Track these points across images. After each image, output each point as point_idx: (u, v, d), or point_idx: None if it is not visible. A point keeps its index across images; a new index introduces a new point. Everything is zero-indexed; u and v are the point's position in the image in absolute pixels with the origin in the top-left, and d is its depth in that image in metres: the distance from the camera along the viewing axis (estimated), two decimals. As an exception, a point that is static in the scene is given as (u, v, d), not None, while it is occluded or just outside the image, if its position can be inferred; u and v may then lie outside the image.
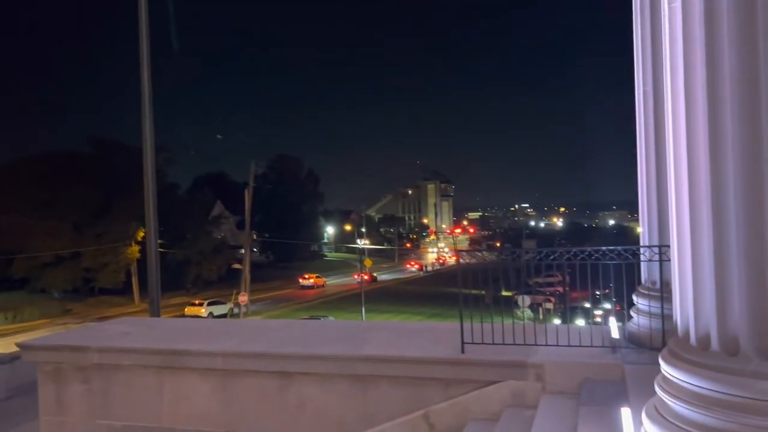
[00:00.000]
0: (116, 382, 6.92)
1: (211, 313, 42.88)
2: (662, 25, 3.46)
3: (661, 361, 3.41)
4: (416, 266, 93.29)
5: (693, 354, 3.15)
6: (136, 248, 50.52)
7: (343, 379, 6.14)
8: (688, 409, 3.10)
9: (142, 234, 44.97)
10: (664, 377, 3.36)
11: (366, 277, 68.34)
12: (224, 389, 6.55)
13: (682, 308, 3.31)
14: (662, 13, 3.46)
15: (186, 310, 44.43)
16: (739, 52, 2.91)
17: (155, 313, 14.01)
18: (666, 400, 3.30)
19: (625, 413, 3.98)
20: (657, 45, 5.49)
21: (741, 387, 2.87)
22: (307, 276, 67.74)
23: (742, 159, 2.91)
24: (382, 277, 77.71)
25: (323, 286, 65.84)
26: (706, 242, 3.07)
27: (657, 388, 3.42)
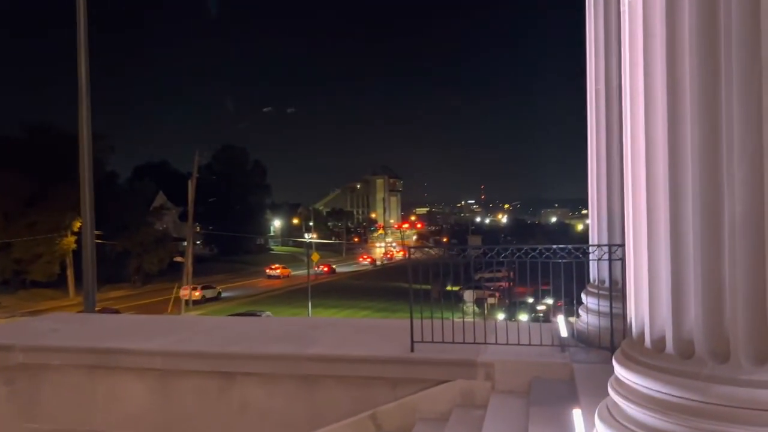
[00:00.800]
0: (44, 383, 6.49)
1: (203, 296, 49.75)
2: (622, 21, 3.40)
3: (614, 363, 3.35)
4: (369, 260, 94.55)
5: (648, 356, 3.10)
6: (71, 239, 48.42)
7: (289, 380, 5.93)
8: (641, 412, 3.05)
9: (78, 224, 43.20)
10: (618, 379, 3.31)
11: (325, 269, 72.68)
12: (162, 390, 6.23)
13: (637, 310, 3.26)
14: (622, 8, 3.39)
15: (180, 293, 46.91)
16: (700, 49, 2.85)
17: (90, 307, 13.38)
18: (619, 403, 3.25)
19: (577, 414, 3.93)
20: (610, 44, 5.49)
21: (696, 391, 2.83)
22: (274, 266, 70.49)
23: (702, 159, 2.86)
24: (340, 269, 79.42)
25: (288, 276, 68.17)
26: (664, 243, 3.02)
27: (610, 390, 3.37)
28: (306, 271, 48.17)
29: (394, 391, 5.68)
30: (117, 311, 34.98)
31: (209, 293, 51.64)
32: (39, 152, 48.07)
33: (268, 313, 37.09)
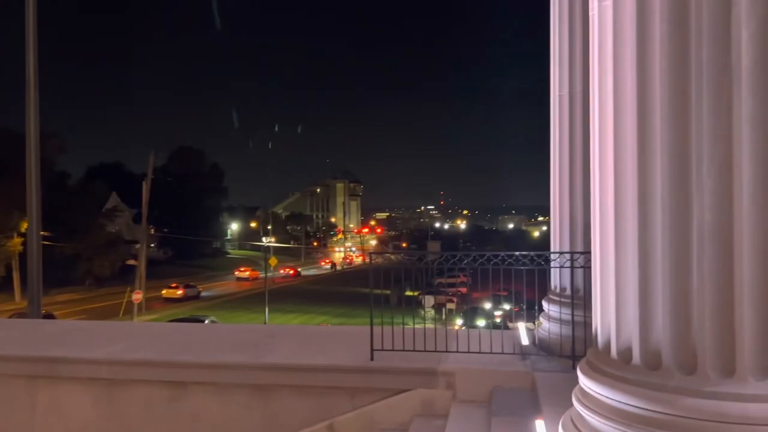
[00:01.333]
0: (-22, 394, 6.07)
1: (186, 294, 52.58)
2: (591, 27, 3.34)
3: (579, 374, 3.28)
4: (328, 263, 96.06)
5: (613, 367, 3.03)
6: (18, 240, 46.51)
7: (243, 390, 5.70)
8: (607, 424, 2.98)
9: (25, 225, 41.49)
10: (583, 390, 3.24)
11: (292, 272, 75.08)
12: (108, 400, 5.91)
13: (603, 319, 3.20)
14: (591, 14, 3.34)
15: (163, 292, 52.26)
16: (670, 56, 2.81)
17: (35, 313, 12.79)
18: (584, 414, 3.18)
19: (540, 425, 3.85)
20: (574, 49, 5.48)
21: (663, 403, 2.78)
22: (242, 269, 72.45)
23: (671, 166, 2.81)
24: (305, 272, 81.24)
25: (258, 278, 67.96)
26: (631, 251, 2.96)
27: (575, 401, 3.30)
28: (276, 273, 47.87)
29: (352, 401, 5.52)
30: (53, 316, 33.62)
31: (191, 292, 54.17)
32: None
33: (212, 318, 35.92)
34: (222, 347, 6.23)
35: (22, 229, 44.99)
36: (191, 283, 56.73)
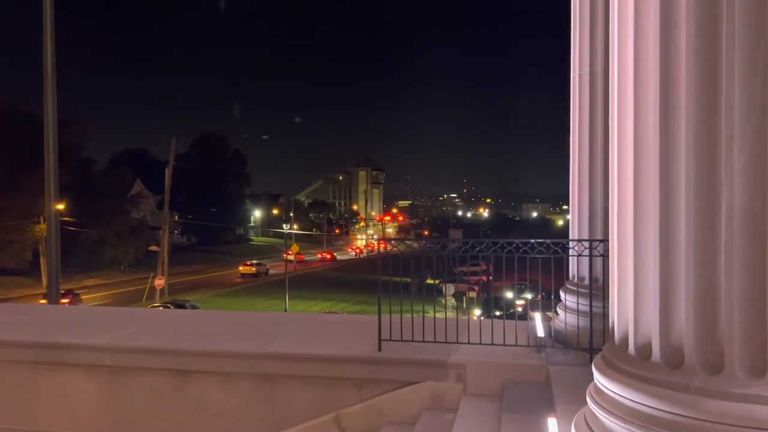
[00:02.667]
0: (-16, 379, 6.03)
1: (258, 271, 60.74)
2: (611, -5, 3.05)
3: (594, 370, 3.04)
4: (358, 251, 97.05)
5: (631, 364, 2.78)
6: (44, 226, 47.32)
7: (249, 379, 5.56)
8: (623, 426, 2.73)
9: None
10: (597, 388, 2.99)
11: (329, 256, 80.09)
12: (112, 388, 5.83)
13: (620, 312, 2.94)
14: (611, -21, 3.05)
15: (240, 268, 60.46)
16: (698, 18, 2.52)
17: (53, 299, 12.88)
18: (598, 415, 2.93)
19: (552, 424, 3.62)
20: (595, 25, 5.18)
21: (684, 405, 2.52)
22: (290, 251, 75.35)
23: (697, 145, 2.53)
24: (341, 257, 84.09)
25: (303, 261, 72.73)
26: (652, 238, 2.70)
27: (589, 400, 3.05)
28: (282, 261, 48.32)
29: (359, 393, 5.34)
30: (77, 295, 33.79)
31: (261, 269, 61.29)
32: (9, 137, 46.79)
33: (193, 303, 35.32)
34: (228, 335, 6.10)
35: (49, 215, 45.70)
36: (261, 262, 63.91)
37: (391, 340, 5.34)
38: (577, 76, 5.42)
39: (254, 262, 63.60)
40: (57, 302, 13.15)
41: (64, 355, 5.83)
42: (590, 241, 5.04)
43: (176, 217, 65.57)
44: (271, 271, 61.85)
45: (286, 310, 35.19)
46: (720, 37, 2.50)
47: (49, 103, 13.03)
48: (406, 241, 5.76)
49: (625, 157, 2.86)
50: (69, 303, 33.81)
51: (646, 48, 2.71)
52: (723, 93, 2.48)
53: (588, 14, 5.21)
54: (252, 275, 59.98)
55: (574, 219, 5.53)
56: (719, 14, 2.49)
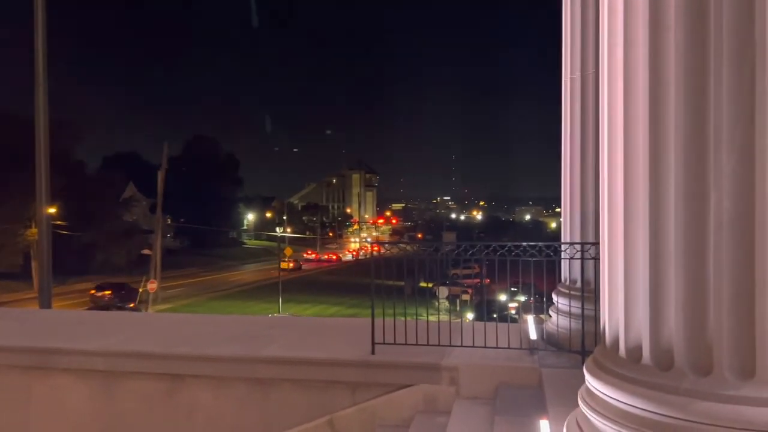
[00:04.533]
0: (-25, 384, 6.00)
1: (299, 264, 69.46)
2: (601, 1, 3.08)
3: (585, 372, 3.06)
4: (354, 253, 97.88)
5: (622, 367, 2.80)
6: (35, 230, 47.01)
7: (241, 383, 5.55)
8: (613, 428, 2.75)
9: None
10: (589, 390, 3.01)
11: (335, 257, 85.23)
12: (104, 393, 5.81)
13: (611, 315, 2.96)
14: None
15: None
16: (686, 26, 2.55)
17: (45, 303, 12.80)
18: (589, 417, 2.95)
19: (544, 426, 3.64)
20: (587, 30, 5.22)
21: (674, 407, 2.54)
22: (309, 251, 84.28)
23: (687, 148, 2.56)
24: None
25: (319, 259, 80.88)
26: (642, 241, 2.72)
27: (580, 402, 3.07)
28: (279, 265, 48.28)
29: (353, 396, 5.35)
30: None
31: (297, 264, 68.61)
32: (0, 139, 46.52)
33: (130, 305, 35.33)
34: (221, 339, 6.08)
35: (40, 219, 45.43)
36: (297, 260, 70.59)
37: (384, 343, 5.35)
38: (568, 80, 5.45)
39: (292, 257, 68.84)
40: (49, 306, 13.06)
41: (56, 360, 5.81)
42: (582, 244, 5.06)
43: (168, 221, 65.37)
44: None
45: (279, 313, 35.12)
46: (708, 43, 2.53)
47: (41, 106, 12.98)
48: (400, 245, 5.77)
49: (615, 161, 2.88)
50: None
51: (635, 53, 2.74)
52: (711, 98, 2.51)
53: (579, 20, 5.26)
54: (292, 270, 66.27)
55: (566, 222, 5.56)
56: (707, 20, 2.52)
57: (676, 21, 2.58)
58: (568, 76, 5.44)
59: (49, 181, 12.87)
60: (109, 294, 41.73)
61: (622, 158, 2.82)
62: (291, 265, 70.14)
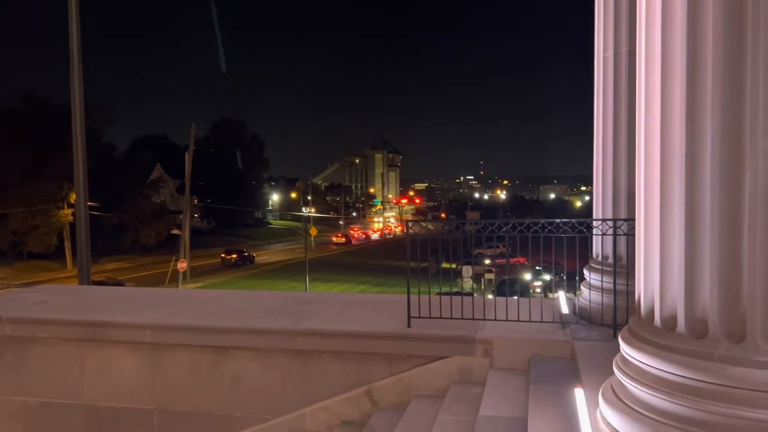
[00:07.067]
0: (31, 355, 6.35)
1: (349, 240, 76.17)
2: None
3: (620, 342, 3.20)
4: (379, 233, 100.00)
5: (657, 335, 2.93)
6: (68, 211, 48.06)
7: (282, 354, 5.79)
8: (649, 393, 2.90)
9: (74, 196, 42.86)
10: (624, 358, 3.15)
11: (364, 235, 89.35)
12: (152, 364, 6.10)
13: (647, 286, 3.09)
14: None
15: (333, 238, 72.64)
16: (724, 5, 2.63)
17: (84, 280, 13.23)
18: (625, 383, 3.10)
19: (579, 394, 3.78)
20: (620, 8, 5.23)
21: (708, 372, 2.68)
22: (339, 234, 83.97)
23: (723, 125, 2.66)
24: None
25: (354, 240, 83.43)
26: (678, 213, 2.83)
27: (615, 370, 3.22)
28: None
29: (390, 367, 5.55)
30: (121, 283, 35.43)
31: (346, 239, 76.80)
32: (35, 123, 47.50)
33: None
34: (262, 313, 6.32)
35: (72, 200, 46.47)
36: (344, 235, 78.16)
37: (419, 317, 5.52)
38: (601, 58, 5.49)
39: (343, 233, 77.97)
40: (88, 284, 13.49)
41: (107, 333, 6.11)
42: (614, 220, 5.15)
43: (195, 201, 66.21)
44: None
45: (306, 291, 35.60)
46: (745, 23, 2.60)
47: (76, 90, 13.26)
48: (437, 223, 5.90)
49: (652, 139, 2.98)
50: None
51: (673, 33, 2.82)
52: (748, 77, 2.60)
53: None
54: (343, 244, 75.51)
55: (598, 199, 5.63)
56: (745, 1, 2.59)
57: (714, 1, 2.66)
58: (602, 54, 5.47)
59: (86, 165, 13.19)
60: (235, 257, 54.44)
61: (659, 136, 2.92)
62: (343, 239, 77.87)
